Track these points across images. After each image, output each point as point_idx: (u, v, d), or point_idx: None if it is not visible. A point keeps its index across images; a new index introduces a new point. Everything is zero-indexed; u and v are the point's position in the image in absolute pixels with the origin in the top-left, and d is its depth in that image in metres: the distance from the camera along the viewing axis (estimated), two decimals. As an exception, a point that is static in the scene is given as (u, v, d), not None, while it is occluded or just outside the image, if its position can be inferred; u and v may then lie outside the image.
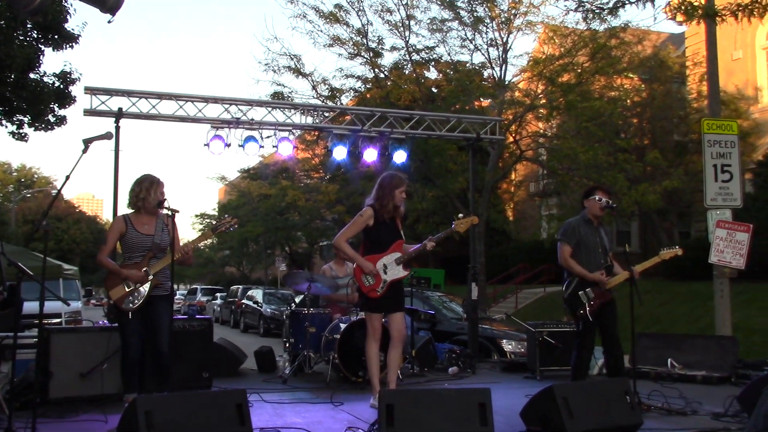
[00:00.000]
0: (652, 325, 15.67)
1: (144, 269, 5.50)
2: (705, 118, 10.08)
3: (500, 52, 19.91)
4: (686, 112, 23.02)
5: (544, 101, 19.00)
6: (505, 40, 19.80)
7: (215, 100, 9.65)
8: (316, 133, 17.18)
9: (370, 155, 10.13)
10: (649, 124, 23.25)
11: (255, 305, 24.35)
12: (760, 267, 15.59)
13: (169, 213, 5.44)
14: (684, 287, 18.59)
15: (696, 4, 8.60)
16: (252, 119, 9.75)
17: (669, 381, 7.62)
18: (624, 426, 4.80)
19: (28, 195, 51.75)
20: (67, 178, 4.70)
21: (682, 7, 9.13)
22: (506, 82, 19.92)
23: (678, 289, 18.57)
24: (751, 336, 13.08)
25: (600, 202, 6.52)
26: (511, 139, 19.33)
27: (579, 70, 18.62)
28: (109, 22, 4.32)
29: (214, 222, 39.91)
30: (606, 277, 6.36)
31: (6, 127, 16.20)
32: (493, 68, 20.23)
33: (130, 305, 5.43)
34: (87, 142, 4.72)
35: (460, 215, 6.47)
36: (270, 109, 10.11)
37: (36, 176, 63.19)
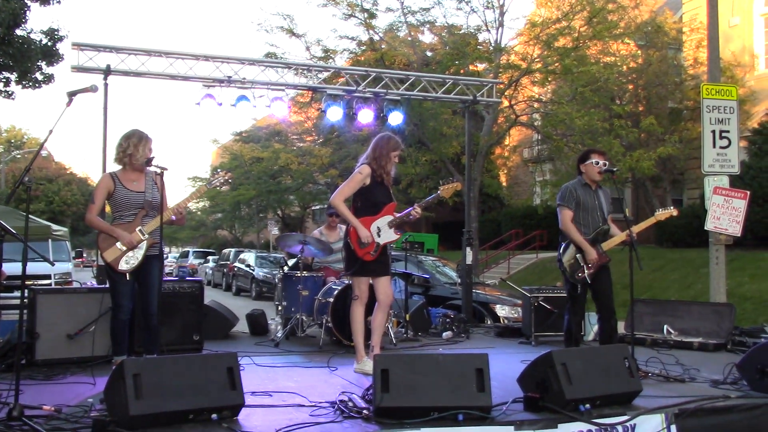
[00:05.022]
0: (644, 291, 15.66)
1: (138, 228, 5.34)
2: (705, 84, 9.92)
3: (497, 15, 19.61)
4: (682, 78, 22.81)
5: (539, 65, 18.76)
6: (502, 2, 19.50)
7: (206, 58, 9.46)
8: (310, 94, 16.97)
9: (366, 116, 9.96)
10: (644, 91, 23.04)
11: (247, 268, 24.28)
12: (753, 235, 15.60)
13: (158, 170, 5.26)
14: (676, 254, 18.62)
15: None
16: (244, 78, 9.54)
17: (665, 348, 7.55)
18: (623, 393, 4.72)
19: (18, 156, 51.03)
20: (50, 132, 4.51)
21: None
22: (502, 45, 19.63)
23: (670, 256, 18.58)
24: (742, 303, 13.10)
25: (598, 165, 6.35)
26: (506, 103, 19.11)
27: (576, 35, 18.37)
28: None
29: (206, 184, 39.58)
30: (598, 255, 6.20)
31: (-8, 84, 15.94)
32: (489, 30, 19.93)
33: (126, 266, 5.28)
34: (71, 95, 4.52)
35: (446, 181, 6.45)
36: (263, 68, 9.89)
37: (26, 137, 62.30)
